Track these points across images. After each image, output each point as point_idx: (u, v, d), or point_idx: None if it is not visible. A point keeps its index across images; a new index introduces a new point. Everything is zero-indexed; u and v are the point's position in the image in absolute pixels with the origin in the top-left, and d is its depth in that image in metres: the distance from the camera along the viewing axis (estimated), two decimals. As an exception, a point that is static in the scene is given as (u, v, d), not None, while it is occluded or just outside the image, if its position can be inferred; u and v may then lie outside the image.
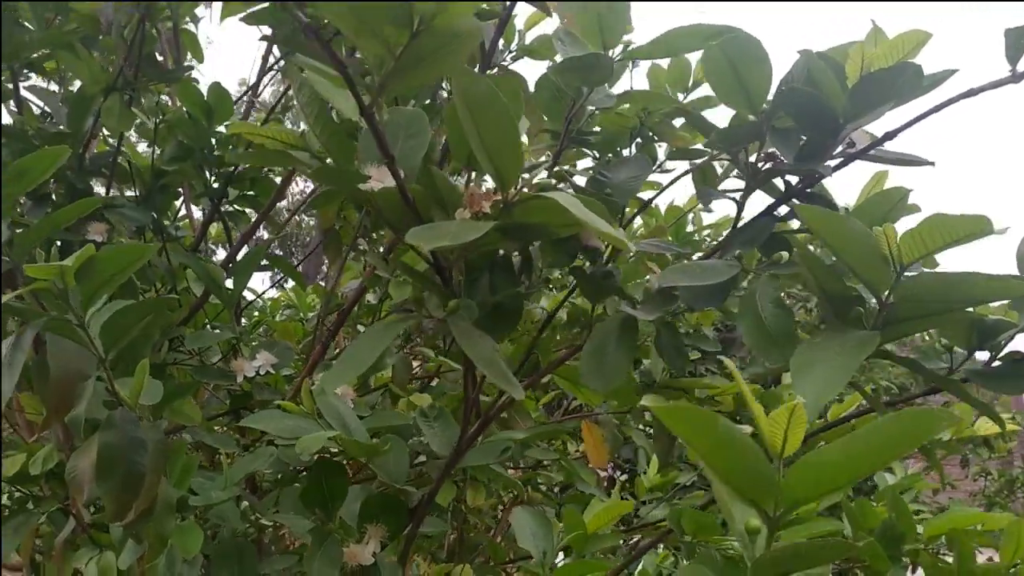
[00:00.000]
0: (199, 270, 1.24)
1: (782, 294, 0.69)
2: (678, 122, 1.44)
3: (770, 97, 0.75)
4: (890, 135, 0.73)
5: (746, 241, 0.76)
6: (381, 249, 1.63)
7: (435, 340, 1.53)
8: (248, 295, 2.03)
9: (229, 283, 1.32)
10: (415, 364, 1.59)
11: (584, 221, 0.54)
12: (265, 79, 1.57)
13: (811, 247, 0.82)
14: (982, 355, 0.74)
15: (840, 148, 0.76)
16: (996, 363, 0.73)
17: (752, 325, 0.69)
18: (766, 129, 0.74)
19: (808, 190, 0.78)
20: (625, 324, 0.76)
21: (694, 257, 0.89)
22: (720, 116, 1.55)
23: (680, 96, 1.36)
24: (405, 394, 1.43)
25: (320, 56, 0.58)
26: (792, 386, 0.59)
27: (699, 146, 1.46)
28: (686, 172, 0.93)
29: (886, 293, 0.62)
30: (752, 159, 0.78)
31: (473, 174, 0.70)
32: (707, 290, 0.73)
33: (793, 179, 0.79)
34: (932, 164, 0.78)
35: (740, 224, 0.80)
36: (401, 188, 0.59)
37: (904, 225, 0.61)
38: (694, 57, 1.01)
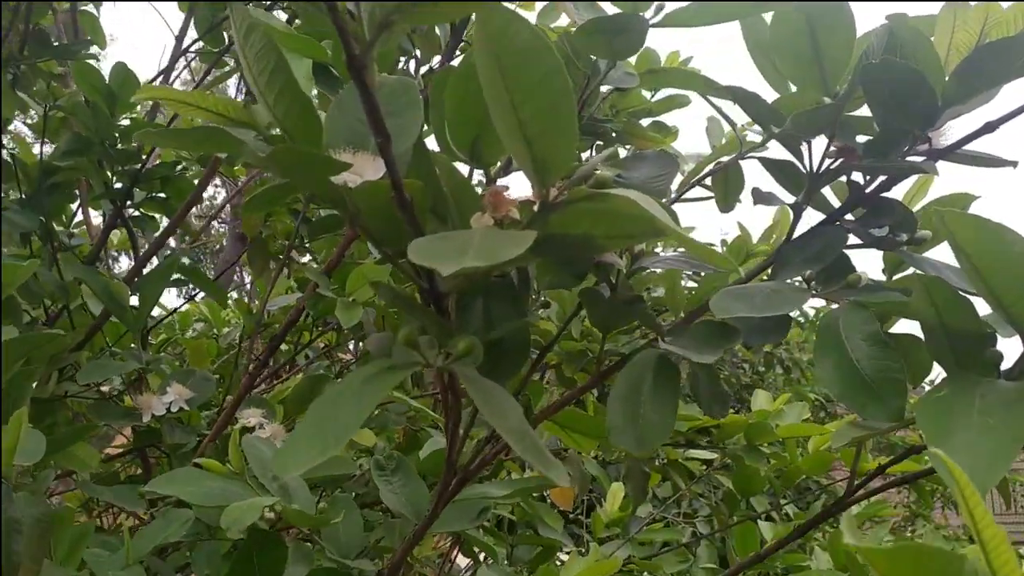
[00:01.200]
0: (97, 287, 1.02)
1: (877, 328, 0.53)
2: (646, 122, 1.30)
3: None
4: (991, 125, 0.58)
5: (808, 259, 0.60)
6: (312, 258, 1.43)
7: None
8: (156, 310, 1.80)
9: (135, 300, 1.11)
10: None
11: (677, 232, 0.37)
12: (180, 63, 1.35)
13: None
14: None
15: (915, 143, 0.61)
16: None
17: (838, 369, 0.53)
18: (839, 115, 0.58)
19: (880, 196, 0.63)
20: (662, 365, 0.59)
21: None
22: (679, 119, 1.40)
23: (646, 95, 1.21)
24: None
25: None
26: (930, 459, 0.43)
27: (671, 147, 1.32)
28: (707, 174, 0.77)
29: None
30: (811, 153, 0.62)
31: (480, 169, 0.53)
32: (772, 323, 0.57)
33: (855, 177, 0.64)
34: (1014, 165, 0.64)
35: (796, 235, 0.64)
36: (395, 181, 0.41)
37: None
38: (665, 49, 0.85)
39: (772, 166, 0.72)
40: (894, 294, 0.53)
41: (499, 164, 0.59)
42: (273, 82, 0.42)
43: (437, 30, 1.15)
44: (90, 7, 1.64)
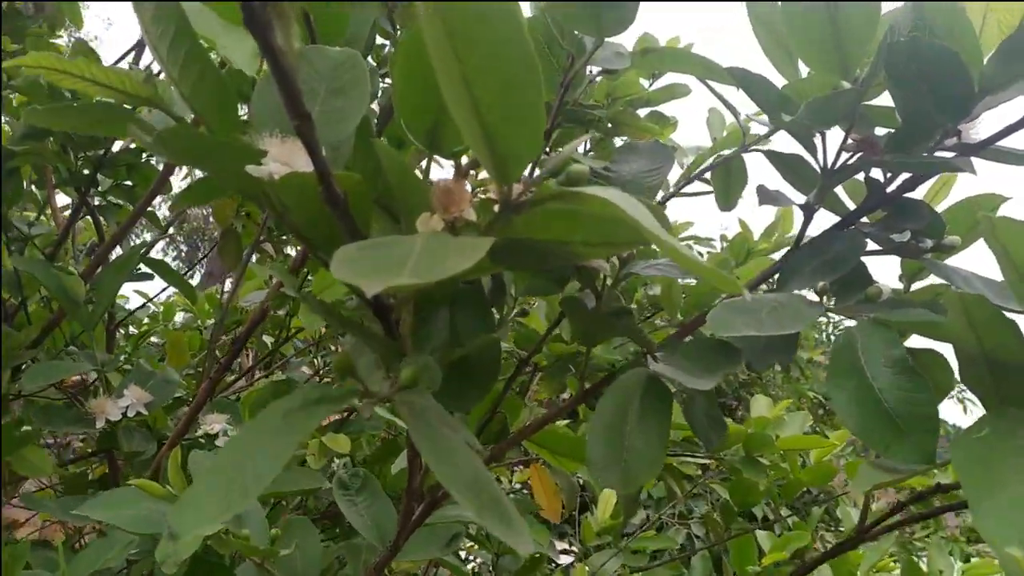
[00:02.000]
0: (50, 283, 0.94)
1: (903, 352, 0.45)
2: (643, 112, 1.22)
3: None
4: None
5: (825, 266, 0.52)
6: (289, 254, 1.35)
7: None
8: (139, 299, 1.72)
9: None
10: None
11: (664, 243, 0.30)
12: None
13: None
14: None
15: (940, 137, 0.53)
16: None
17: (857, 400, 0.45)
18: (860, 102, 0.50)
19: (904, 196, 0.55)
20: (651, 389, 0.51)
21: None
22: (677, 110, 1.33)
23: (644, 82, 1.13)
24: (316, 433, 1.16)
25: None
26: (974, 518, 0.36)
27: (670, 139, 1.24)
28: (707, 168, 0.69)
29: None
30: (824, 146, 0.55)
31: (436, 160, 0.45)
32: (779, 342, 0.49)
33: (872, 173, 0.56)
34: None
35: (805, 240, 0.56)
36: (322, 172, 0.33)
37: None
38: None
39: (779, 161, 0.64)
40: (922, 312, 0.45)
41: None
42: (175, 51, 0.34)
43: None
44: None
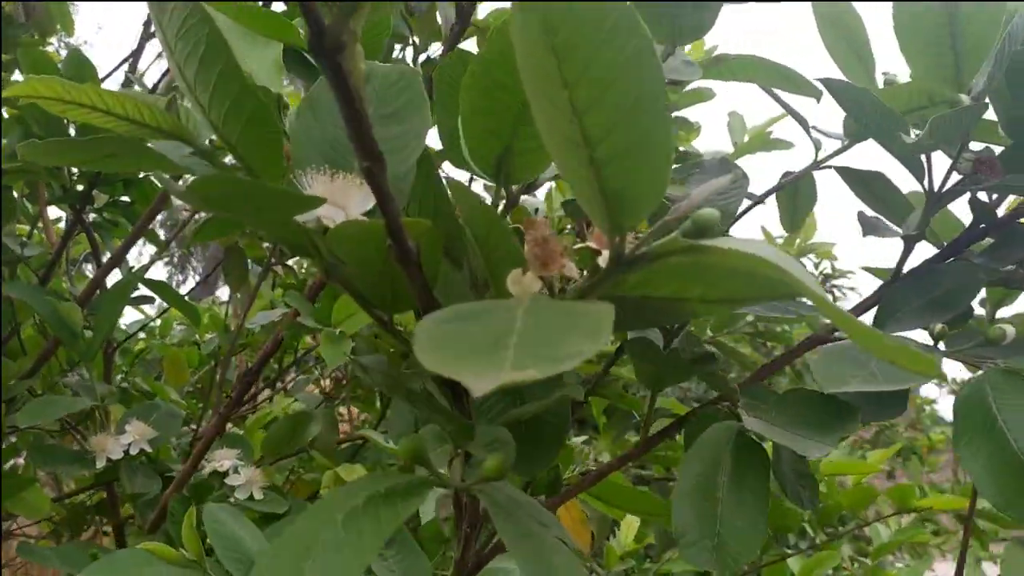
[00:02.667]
0: (45, 312, 0.87)
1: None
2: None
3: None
4: None
5: (936, 304, 0.46)
6: (301, 277, 1.28)
7: (370, 394, 1.19)
8: (135, 314, 1.64)
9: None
10: (342, 420, 1.25)
11: (826, 307, 0.23)
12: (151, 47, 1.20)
13: None
14: None
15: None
16: None
17: (997, 466, 0.38)
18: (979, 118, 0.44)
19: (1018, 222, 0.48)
20: (744, 447, 0.45)
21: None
22: (700, 114, 1.26)
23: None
24: (331, 463, 1.09)
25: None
26: None
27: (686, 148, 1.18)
28: (771, 191, 0.62)
29: None
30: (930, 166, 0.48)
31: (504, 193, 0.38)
32: (891, 396, 0.43)
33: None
34: None
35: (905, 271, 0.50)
36: (394, 227, 0.27)
37: None
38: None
39: (857, 180, 0.58)
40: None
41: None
42: (206, 72, 0.27)
43: (438, 14, 1.01)
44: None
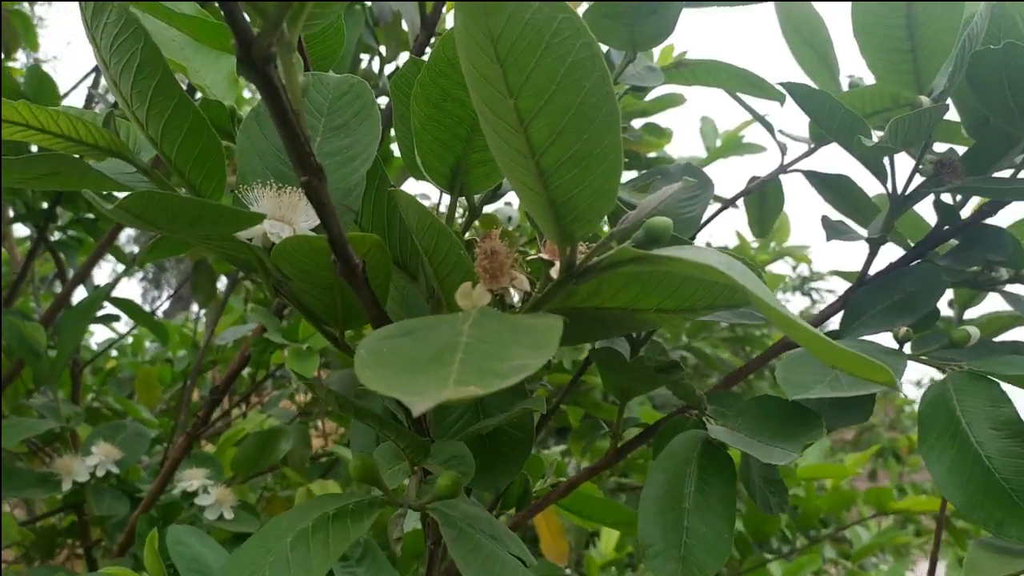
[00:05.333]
0: (8, 332, 0.86)
1: (1012, 411, 0.39)
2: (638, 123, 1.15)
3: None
4: None
5: (901, 306, 0.45)
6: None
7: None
8: (107, 333, 1.62)
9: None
10: (317, 435, 1.23)
11: (779, 315, 0.23)
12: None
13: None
14: None
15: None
16: None
17: (961, 470, 0.38)
18: (940, 120, 0.44)
19: (982, 223, 0.48)
20: (710, 456, 0.44)
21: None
22: (671, 120, 1.26)
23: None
24: (303, 479, 1.07)
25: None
26: None
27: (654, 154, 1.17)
28: (738, 196, 0.62)
29: None
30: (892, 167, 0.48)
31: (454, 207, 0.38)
32: (856, 402, 0.42)
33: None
34: None
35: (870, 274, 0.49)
36: (336, 241, 0.26)
37: None
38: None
39: (823, 184, 0.58)
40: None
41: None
42: (141, 86, 0.27)
43: (404, 23, 1.00)
44: (24, 6, 1.48)
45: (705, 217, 0.55)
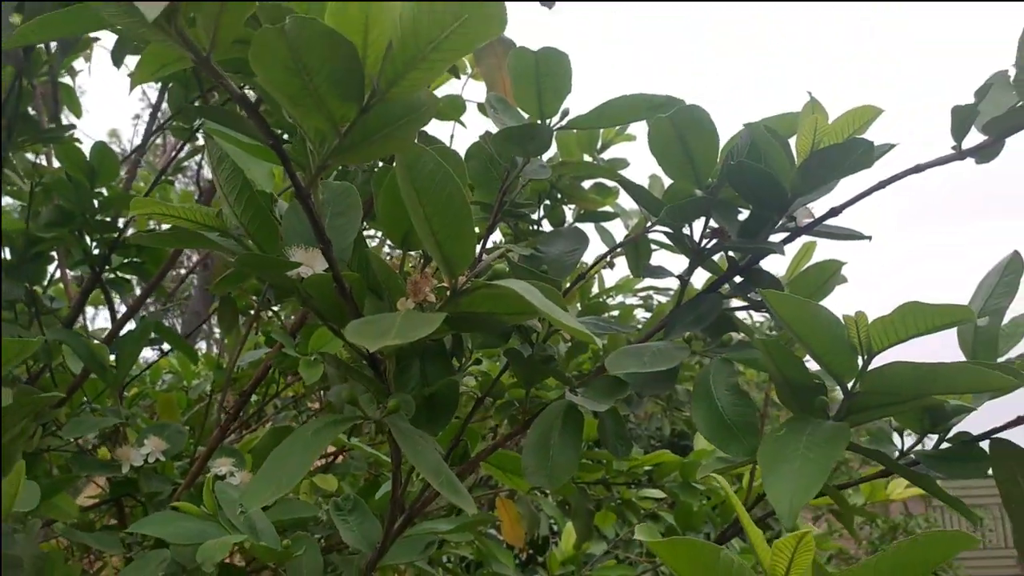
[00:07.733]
0: (80, 350, 1.12)
1: (738, 380, 0.65)
2: (587, 184, 1.42)
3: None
4: (836, 211, 0.71)
5: (693, 321, 0.72)
6: (284, 318, 1.53)
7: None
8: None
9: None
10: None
11: (547, 314, 0.49)
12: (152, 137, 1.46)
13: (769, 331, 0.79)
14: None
15: (782, 222, 0.74)
16: (945, 445, 0.70)
17: (708, 415, 0.64)
18: (712, 204, 0.71)
19: (753, 267, 0.75)
20: (569, 413, 0.70)
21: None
22: (634, 175, 1.53)
23: (586, 158, 1.34)
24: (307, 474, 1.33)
25: (246, 128, 0.51)
26: (764, 487, 0.55)
27: (608, 208, 1.44)
28: (620, 244, 0.89)
29: (852, 382, 0.58)
30: (692, 233, 0.75)
31: (410, 255, 0.64)
32: (659, 377, 0.69)
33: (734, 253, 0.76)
34: (869, 239, 0.76)
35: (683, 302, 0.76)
36: (336, 277, 0.52)
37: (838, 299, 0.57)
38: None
39: (673, 240, 0.84)
40: (753, 352, 0.65)
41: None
42: (240, 198, 0.53)
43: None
44: (66, 78, 1.74)
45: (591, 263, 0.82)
